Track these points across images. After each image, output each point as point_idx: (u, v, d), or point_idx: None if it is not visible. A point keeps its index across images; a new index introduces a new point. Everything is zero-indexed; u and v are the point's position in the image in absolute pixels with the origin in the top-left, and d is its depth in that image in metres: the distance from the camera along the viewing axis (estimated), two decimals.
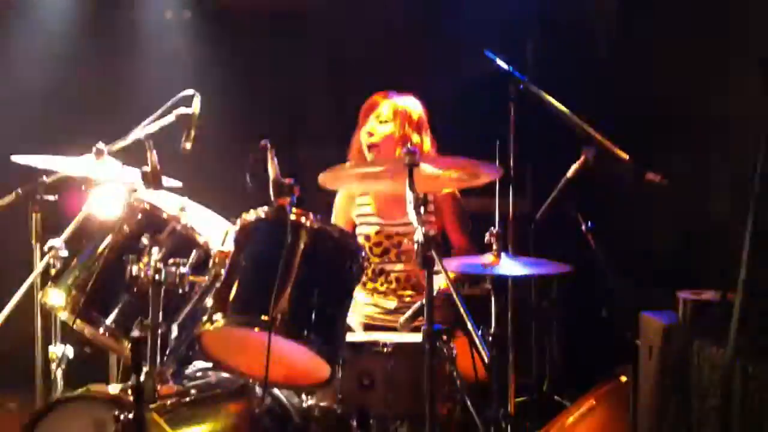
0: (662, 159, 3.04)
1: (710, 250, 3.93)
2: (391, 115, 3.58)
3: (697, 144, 4.08)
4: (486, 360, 2.43)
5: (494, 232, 2.96)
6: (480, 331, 2.65)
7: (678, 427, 2.28)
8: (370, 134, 3.58)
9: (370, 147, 3.57)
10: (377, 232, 3.60)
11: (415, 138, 3.55)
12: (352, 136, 3.72)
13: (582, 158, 2.96)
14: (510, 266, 2.93)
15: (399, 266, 3.58)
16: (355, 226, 3.67)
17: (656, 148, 3.53)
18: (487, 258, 2.96)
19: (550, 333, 4.81)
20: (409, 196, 2.65)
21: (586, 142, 3.09)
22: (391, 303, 3.58)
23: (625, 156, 2.99)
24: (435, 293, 2.55)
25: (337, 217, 3.70)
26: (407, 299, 3.56)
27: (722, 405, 2.14)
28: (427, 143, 3.60)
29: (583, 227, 2.84)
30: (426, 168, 2.83)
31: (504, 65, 3.34)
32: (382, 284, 3.59)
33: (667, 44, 4.27)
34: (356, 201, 3.67)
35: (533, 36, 4.66)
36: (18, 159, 3.21)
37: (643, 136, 3.59)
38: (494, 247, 2.94)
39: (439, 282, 3.05)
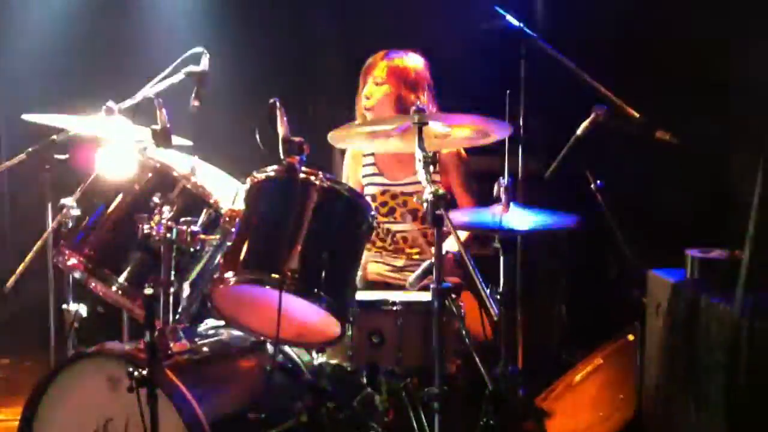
0: (674, 118, 3.02)
1: (721, 209, 3.92)
2: (385, 75, 3.54)
3: (712, 104, 4.05)
4: (495, 318, 2.44)
5: (503, 183, 2.95)
6: (488, 290, 2.67)
7: (685, 383, 2.30)
8: (367, 97, 3.56)
9: (368, 110, 3.56)
10: (383, 192, 3.60)
11: (411, 97, 3.50)
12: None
13: (592, 116, 2.94)
14: (519, 217, 2.92)
15: (405, 226, 3.58)
16: (363, 186, 3.67)
17: (670, 107, 3.50)
18: (496, 209, 2.95)
19: (558, 292, 4.84)
20: (419, 154, 2.65)
21: (597, 99, 3.06)
22: (399, 261, 3.59)
23: (636, 114, 2.97)
24: (444, 252, 2.56)
25: (347, 177, 3.70)
26: (415, 257, 3.58)
27: (729, 361, 2.15)
28: (423, 101, 3.54)
29: (592, 186, 2.83)
30: (435, 126, 2.83)
31: (515, 22, 3.31)
32: (389, 244, 3.60)
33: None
34: (362, 161, 3.67)
35: None
36: (29, 118, 3.22)
37: (657, 96, 3.56)
38: (503, 198, 2.93)
39: (447, 246, 3.06)
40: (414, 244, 3.58)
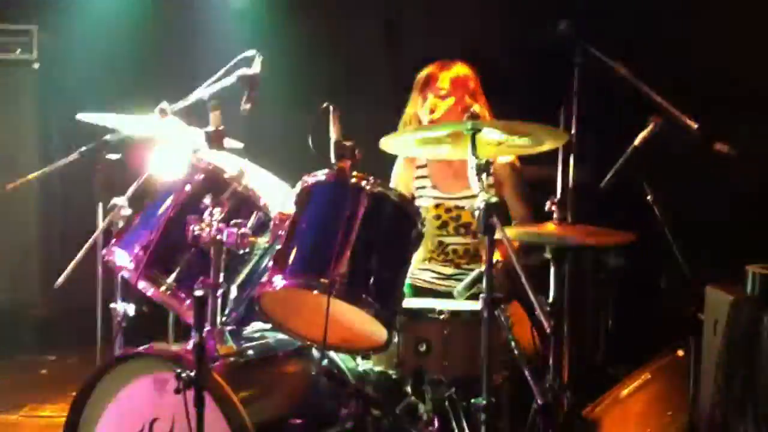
0: (734, 130, 2.95)
1: None
2: (449, 87, 3.52)
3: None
4: (548, 330, 2.40)
5: (555, 200, 2.92)
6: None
7: (743, 404, 2.24)
8: (432, 110, 3.53)
9: (433, 123, 3.53)
10: (436, 206, 3.57)
11: (476, 107, 3.49)
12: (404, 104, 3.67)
13: (650, 126, 2.89)
14: (572, 235, 2.88)
15: (457, 239, 3.55)
16: (412, 193, 3.64)
17: (728, 119, 3.43)
18: (548, 226, 2.92)
19: (607, 304, 4.76)
20: (471, 162, 2.61)
21: (652, 109, 3.01)
22: (448, 269, 3.56)
23: (694, 125, 2.91)
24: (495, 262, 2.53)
25: (397, 184, 3.68)
26: (464, 266, 3.54)
27: None
28: (484, 110, 3.55)
29: (650, 197, 2.77)
30: (489, 133, 2.79)
31: (568, 29, 3.26)
32: (439, 255, 3.57)
33: (742, 8, 4.12)
34: (415, 173, 3.63)
35: None
36: (83, 117, 3.25)
37: (713, 106, 3.48)
38: (555, 215, 2.89)
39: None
40: (473, 256, 3.54)
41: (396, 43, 5.19)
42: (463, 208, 3.51)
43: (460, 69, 3.57)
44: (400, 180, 3.68)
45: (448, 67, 3.56)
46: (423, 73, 3.59)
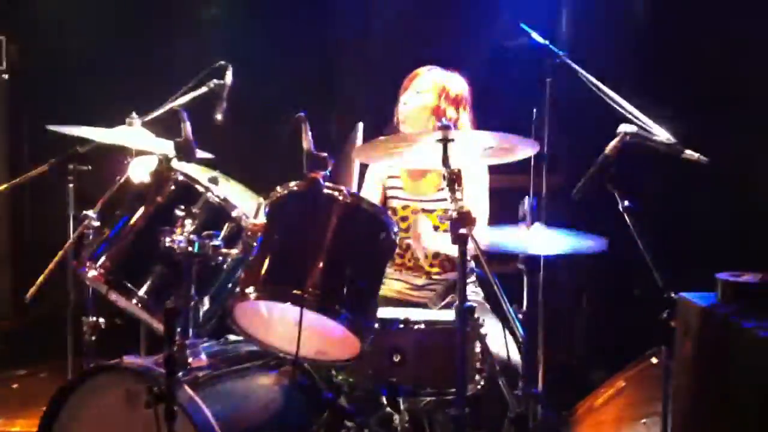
0: (703, 138, 2.97)
1: (752, 233, 3.86)
2: (429, 86, 3.54)
3: (742, 124, 4.00)
4: (520, 339, 2.41)
5: (527, 203, 2.92)
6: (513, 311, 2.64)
7: (718, 409, 2.25)
8: (405, 103, 3.55)
9: (402, 116, 3.54)
10: (404, 207, 3.57)
11: (451, 112, 3.50)
12: (391, 109, 3.67)
13: (620, 135, 2.91)
14: (544, 238, 2.89)
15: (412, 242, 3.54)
16: (385, 199, 3.63)
17: (699, 127, 3.46)
18: (521, 230, 2.92)
19: (580, 312, 4.78)
20: (443, 171, 2.62)
21: (623, 119, 3.03)
22: (419, 280, 3.56)
23: (664, 134, 2.93)
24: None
25: (369, 183, 3.65)
26: (435, 276, 3.54)
27: (764, 388, 2.11)
28: (463, 120, 3.55)
29: (620, 206, 2.78)
30: (460, 143, 2.79)
31: (540, 39, 3.28)
32: (409, 260, 3.57)
33: (713, 16, 4.16)
34: (387, 172, 3.63)
35: (569, 6, 4.59)
36: (53, 128, 3.22)
37: (685, 114, 3.51)
38: (528, 218, 2.90)
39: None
40: (442, 260, 3.53)
41: (371, 54, 5.19)
42: (431, 211, 3.51)
43: (449, 77, 3.57)
44: (375, 177, 3.64)
45: (436, 71, 3.58)
46: (411, 74, 3.61)
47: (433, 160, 2.70)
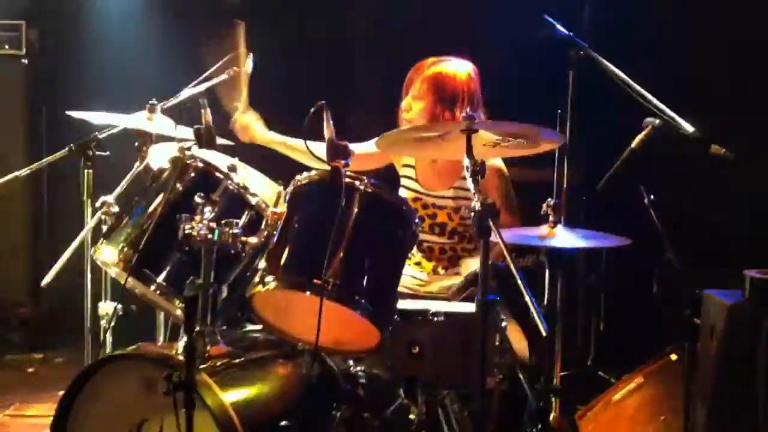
0: (731, 134, 2.93)
1: None
2: (422, 90, 3.43)
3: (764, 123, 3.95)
4: (544, 334, 2.37)
5: (551, 203, 2.89)
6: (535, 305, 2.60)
7: (740, 410, 2.22)
8: (406, 110, 3.49)
9: (408, 123, 3.49)
10: (414, 199, 3.52)
11: (446, 113, 3.37)
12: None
13: (647, 129, 2.87)
14: (567, 238, 2.86)
15: (431, 237, 3.50)
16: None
17: (727, 120, 3.42)
18: (543, 229, 2.90)
19: (597, 307, 4.75)
20: (466, 162, 2.58)
21: (648, 112, 2.99)
22: (424, 274, 3.51)
23: (690, 128, 2.89)
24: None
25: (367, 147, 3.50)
26: (441, 271, 3.50)
27: None
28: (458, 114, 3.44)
29: (646, 200, 2.75)
30: (484, 134, 2.75)
31: (564, 30, 3.24)
32: (415, 253, 3.53)
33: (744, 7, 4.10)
34: (402, 160, 3.60)
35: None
36: (73, 114, 3.22)
37: (712, 110, 3.47)
38: (551, 218, 2.87)
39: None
40: (451, 256, 3.50)
41: (390, 43, 5.16)
42: (441, 207, 3.47)
43: (443, 71, 3.42)
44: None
45: (430, 68, 3.44)
46: (410, 72, 3.54)
47: (452, 153, 2.65)
